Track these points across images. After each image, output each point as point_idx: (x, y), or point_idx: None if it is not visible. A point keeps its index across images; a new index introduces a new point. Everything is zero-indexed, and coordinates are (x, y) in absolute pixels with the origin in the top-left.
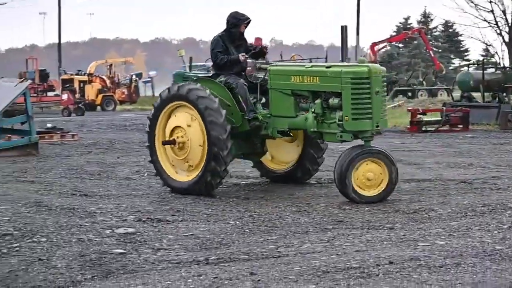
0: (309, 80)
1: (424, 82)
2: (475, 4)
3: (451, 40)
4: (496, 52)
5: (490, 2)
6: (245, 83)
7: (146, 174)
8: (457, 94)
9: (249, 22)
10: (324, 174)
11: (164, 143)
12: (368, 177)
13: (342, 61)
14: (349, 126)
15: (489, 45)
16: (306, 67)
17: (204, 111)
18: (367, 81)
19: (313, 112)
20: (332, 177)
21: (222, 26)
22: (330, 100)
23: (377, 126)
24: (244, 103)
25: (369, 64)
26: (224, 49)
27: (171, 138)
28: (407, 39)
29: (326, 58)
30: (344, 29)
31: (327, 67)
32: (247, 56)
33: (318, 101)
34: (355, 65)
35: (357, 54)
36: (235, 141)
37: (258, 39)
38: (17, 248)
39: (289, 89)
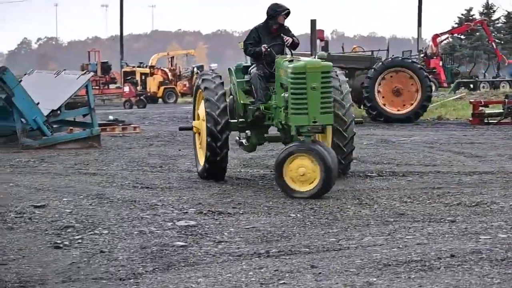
0: (281, 74)
1: (486, 74)
2: None
3: None
4: None
5: None
6: (261, 74)
7: None
8: None
9: (288, 13)
10: (386, 166)
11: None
12: (300, 172)
13: (311, 55)
14: (291, 120)
15: None
16: (283, 61)
17: (204, 91)
18: (303, 76)
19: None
20: (392, 170)
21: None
22: (283, 94)
23: (315, 122)
24: (255, 92)
25: (309, 60)
26: (256, 40)
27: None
28: (469, 31)
29: (387, 50)
30: (313, 23)
31: (289, 61)
32: (267, 47)
33: (282, 94)
34: (299, 61)
35: (419, 45)
36: (261, 129)
37: (320, 31)
38: (79, 240)
39: (279, 82)
